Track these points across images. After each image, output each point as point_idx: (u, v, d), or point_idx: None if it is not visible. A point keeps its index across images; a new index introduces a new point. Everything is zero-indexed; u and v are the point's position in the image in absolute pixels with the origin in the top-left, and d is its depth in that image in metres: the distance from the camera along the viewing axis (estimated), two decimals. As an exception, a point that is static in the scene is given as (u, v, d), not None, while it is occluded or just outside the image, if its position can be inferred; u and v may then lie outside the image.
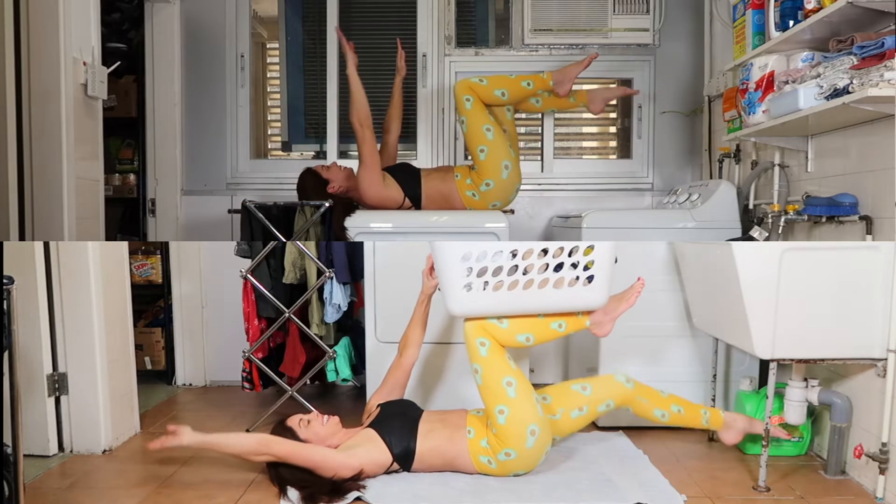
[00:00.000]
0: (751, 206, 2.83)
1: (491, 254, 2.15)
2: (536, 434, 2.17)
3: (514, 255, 2.17)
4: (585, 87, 3.75)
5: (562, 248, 2.18)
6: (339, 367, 2.83)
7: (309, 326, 2.84)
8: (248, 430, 2.81)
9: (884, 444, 2.09)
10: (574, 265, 2.17)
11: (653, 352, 2.74)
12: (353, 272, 2.80)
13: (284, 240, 2.80)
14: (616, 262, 2.25)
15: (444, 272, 2.17)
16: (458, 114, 2.96)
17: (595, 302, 2.22)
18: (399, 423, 2.26)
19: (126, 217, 3.65)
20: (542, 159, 3.60)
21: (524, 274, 2.16)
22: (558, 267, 2.18)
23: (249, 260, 2.86)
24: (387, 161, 3.13)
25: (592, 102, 3.15)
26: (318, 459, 2.15)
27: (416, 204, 2.98)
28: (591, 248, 2.17)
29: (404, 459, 2.23)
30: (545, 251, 2.18)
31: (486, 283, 2.16)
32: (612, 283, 2.22)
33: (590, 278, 2.18)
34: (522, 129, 3.82)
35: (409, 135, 3.60)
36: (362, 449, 2.21)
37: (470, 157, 3.04)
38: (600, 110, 3.17)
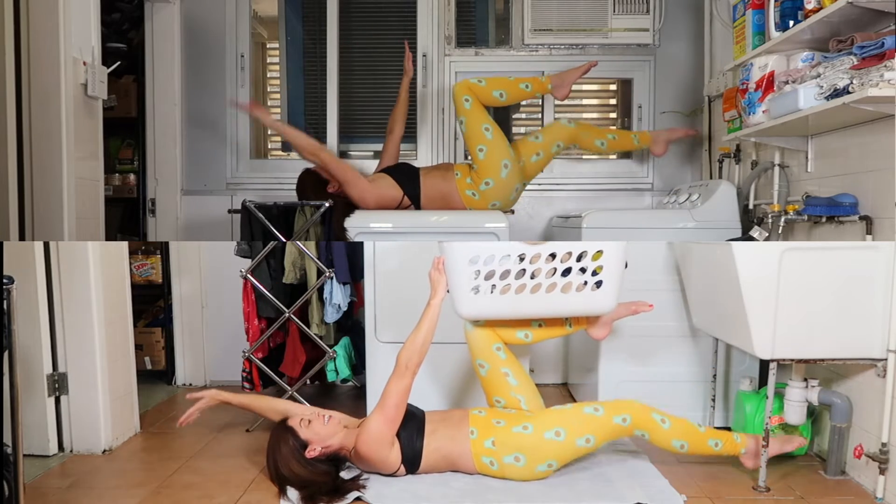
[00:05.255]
0: (751, 206, 2.83)
1: (498, 257, 2.16)
2: (553, 467, 2.20)
3: (522, 259, 2.18)
4: (585, 87, 3.78)
5: (570, 253, 2.19)
6: (339, 367, 2.83)
7: (309, 326, 2.84)
8: (247, 431, 2.82)
9: (884, 445, 2.09)
10: (582, 270, 2.17)
11: (653, 352, 2.74)
12: (353, 272, 2.80)
13: (284, 240, 2.80)
14: (626, 266, 2.26)
15: (452, 274, 2.20)
16: (458, 114, 2.96)
17: (603, 307, 2.24)
18: (407, 424, 2.25)
19: (126, 217, 3.65)
20: (542, 159, 3.60)
21: (532, 278, 2.17)
22: (567, 271, 2.19)
23: (249, 260, 2.85)
24: (388, 162, 3.13)
25: (655, 144, 3.15)
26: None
27: (416, 202, 2.98)
28: (599, 252, 2.17)
29: (412, 462, 2.22)
30: (553, 255, 2.19)
31: (494, 286, 2.18)
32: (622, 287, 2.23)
33: (598, 283, 2.19)
34: (522, 129, 3.82)
35: (409, 134, 3.60)
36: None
37: (470, 157, 3.04)
38: (663, 152, 3.17)
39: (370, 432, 2.17)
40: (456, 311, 2.25)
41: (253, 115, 2.98)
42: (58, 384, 2.55)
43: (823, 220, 2.24)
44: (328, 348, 2.82)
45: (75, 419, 2.57)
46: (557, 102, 3.59)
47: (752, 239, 2.46)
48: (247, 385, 2.95)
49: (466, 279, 2.18)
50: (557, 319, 2.37)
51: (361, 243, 2.74)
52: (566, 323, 2.39)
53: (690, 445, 2.21)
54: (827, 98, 2.02)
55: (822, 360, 2.20)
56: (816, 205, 2.24)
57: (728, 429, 2.68)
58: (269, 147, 3.85)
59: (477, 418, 2.27)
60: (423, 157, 3.55)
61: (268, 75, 3.83)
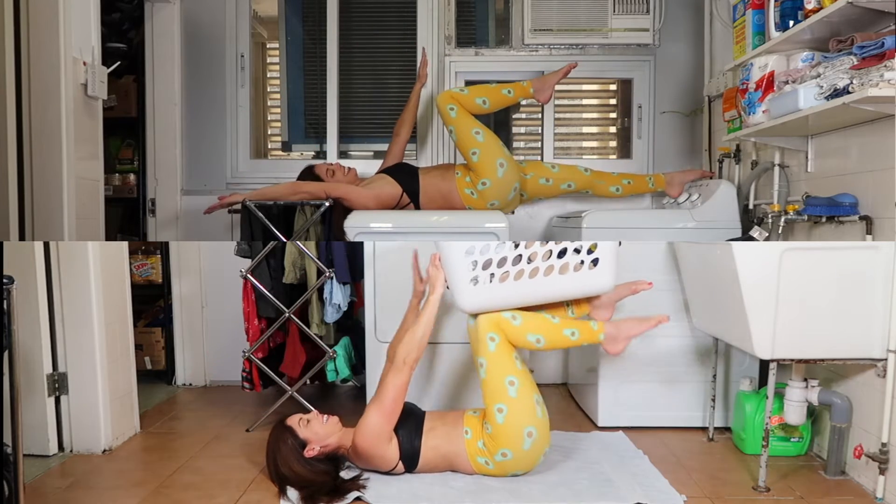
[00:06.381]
0: (751, 206, 2.83)
1: (494, 246, 2.17)
2: (534, 436, 2.17)
3: (517, 246, 2.19)
4: (585, 87, 3.78)
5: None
6: (339, 367, 2.83)
7: (309, 326, 2.84)
8: (248, 431, 2.82)
9: (884, 445, 2.09)
10: (577, 250, 2.18)
11: (653, 352, 2.74)
12: (353, 272, 2.80)
13: (284, 240, 2.80)
14: (620, 244, 2.26)
15: (450, 268, 2.20)
16: (446, 124, 2.96)
17: (602, 285, 2.24)
18: (406, 421, 2.26)
19: (126, 217, 3.65)
20: (542, 159, 3.60)
21: (529, 262, 2.18)
22: (562, 254, 2.20)
23: (249, 260, 2.86)
24: (391, 163, 3.13)
25: (670, 186, 3.15)
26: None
27: (415, 199, 2.98)
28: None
29: (410, 459, 2.23)
30: (547, 242, 2.21)
31: (492, 275, 2.18)
32: (619, 269, 2.24)
33: (595, 262, 2.19)
34: (522, 129, 3.82)
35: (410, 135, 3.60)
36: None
37: (466, 162, 3.05)
38: (679, 193, 3.16)
39: (368, 426, 2.17)
40: (457, 305, 2.23)
41: (225, 205, 2.89)
42: (58, 384, 2.55)
43: (823, 220, 2.24)
44: (328, 348, 2.82)
45: (75, 419, 2.57)
46: (557, 103, 3.59)
47: (752, 239, 2.46)
48: (247, 385, 2.95)
49: (464, 271, 2.18)
50: (560, 308, 2.36)
51: (361, 243, 2.74)
52: (568, 309, 2.37)
53: (547, 339, 2.18)
54: (827, 98, 2.02)
55: (822, 360, 2.20)
56: (816, 205, 2.24)
57: (728, 429, 2.69)
58: (269, 147, 3.85)
59: (471, 419, 2.27)
60: (423, 157, 3.55)
61: (268, 75, 3.83)
